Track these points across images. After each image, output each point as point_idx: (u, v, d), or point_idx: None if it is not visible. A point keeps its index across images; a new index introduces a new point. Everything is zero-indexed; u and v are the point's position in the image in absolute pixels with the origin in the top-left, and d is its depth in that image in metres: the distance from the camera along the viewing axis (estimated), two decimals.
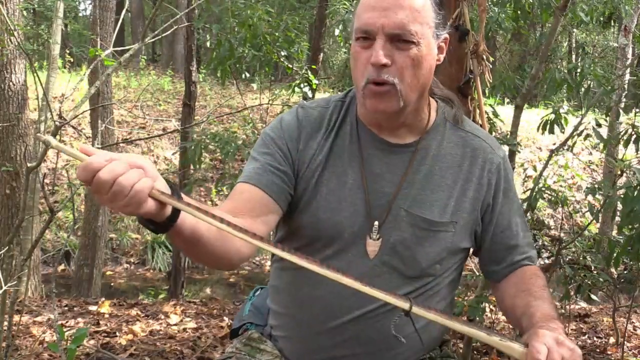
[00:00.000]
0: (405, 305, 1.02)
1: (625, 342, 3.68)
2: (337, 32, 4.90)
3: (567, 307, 3.88)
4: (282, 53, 4.33)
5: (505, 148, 3.26)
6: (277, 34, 4.20)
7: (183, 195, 1.01)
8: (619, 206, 2.79)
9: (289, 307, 1.38)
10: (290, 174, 1.31)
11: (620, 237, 3.08)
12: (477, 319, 3.00)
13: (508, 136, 3.35)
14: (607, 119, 4.78)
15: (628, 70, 4.99)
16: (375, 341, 1.31)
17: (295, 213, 1.33)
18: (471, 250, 1.45)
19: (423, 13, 1.23)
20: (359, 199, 1.30)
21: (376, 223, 1.29)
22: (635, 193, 2.59)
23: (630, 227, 2.91)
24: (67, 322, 4.00)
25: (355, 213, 1.30)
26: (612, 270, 3.73)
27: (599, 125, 3.53)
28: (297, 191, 1.32)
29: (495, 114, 3.31)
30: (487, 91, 3.24)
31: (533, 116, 9.16)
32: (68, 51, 7.46)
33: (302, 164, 1.32)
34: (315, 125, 1.34)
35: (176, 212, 1.00)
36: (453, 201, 1.31)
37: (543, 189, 3.23)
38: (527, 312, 1.24)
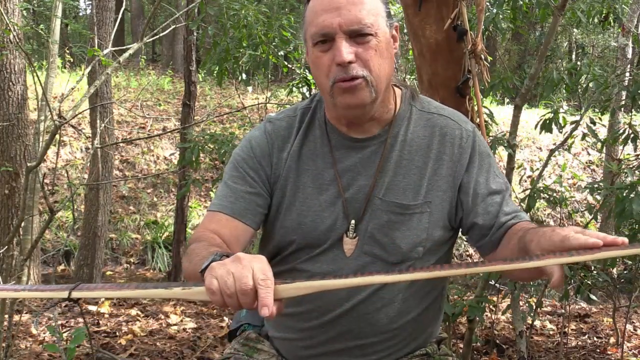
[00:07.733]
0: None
1: (625, 342, 3.69)
2: None
3: (567, 307, 3.87)
4: (280, 53, 4.32)
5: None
6: (271, 34, 4.17)
7: None
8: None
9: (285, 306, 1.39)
10: (263, 193, 1.36)
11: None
12: (477, 319, 3.00)
13: (506, 136, 3.35)
14: (605, 117, 4.78)
15: (628, 68, 4.98)
16: (367, 334, 1.33)
17: (277, 221, 1.36)
18: (460, 232, 1.41)
19: (374, 4, 1.26)
20: (336, 200, 1.33)
21: (353, 222, 1.32)
22: (626, 193, 2.59)
23: (629, 226, 2.91)
24: (67, 322, 4.01)
25: (334, 213, 1.33)
26: (612, 270, 3.73)
27: (594, 123, 3.53)
28: (275, 201, 1.37)
29: (491, 116, 3.30)
30: (485, 91, 3.22)
31: (533, 116, 9.14)
32: (68, 51, 7.44)
33: (277, 175, 1.37)
34: (284, 136, 1.39)
35: None
36: (426, 182, 1.32)
37: (542, 188, 3.23)
38: (525, 238, 1.14)
